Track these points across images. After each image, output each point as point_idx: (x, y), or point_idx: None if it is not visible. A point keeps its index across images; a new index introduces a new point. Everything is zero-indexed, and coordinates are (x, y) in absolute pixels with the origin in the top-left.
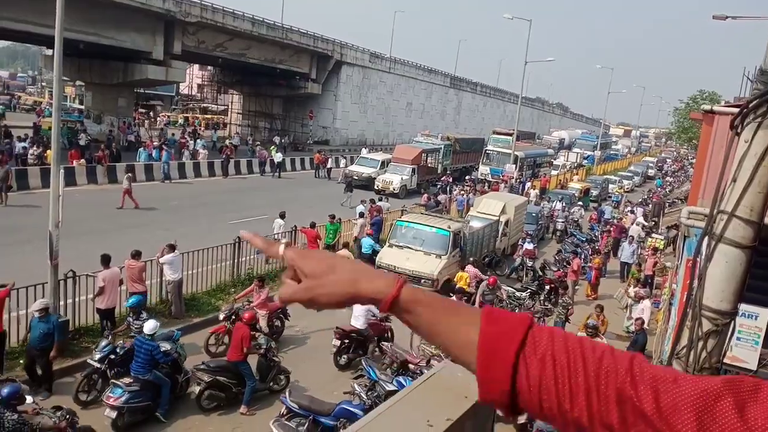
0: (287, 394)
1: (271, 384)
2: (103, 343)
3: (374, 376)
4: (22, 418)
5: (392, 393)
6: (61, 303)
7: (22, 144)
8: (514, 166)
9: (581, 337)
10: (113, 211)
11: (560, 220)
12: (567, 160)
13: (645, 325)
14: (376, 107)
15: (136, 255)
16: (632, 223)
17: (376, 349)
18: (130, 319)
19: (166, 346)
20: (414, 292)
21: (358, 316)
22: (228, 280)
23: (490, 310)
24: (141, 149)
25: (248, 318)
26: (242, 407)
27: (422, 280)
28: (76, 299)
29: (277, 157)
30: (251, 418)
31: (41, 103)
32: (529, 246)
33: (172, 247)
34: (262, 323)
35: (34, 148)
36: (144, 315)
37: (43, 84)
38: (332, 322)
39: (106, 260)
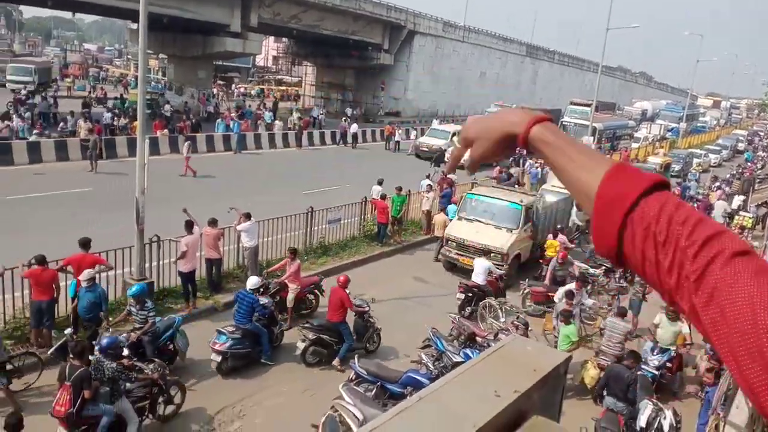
0: (356, 360)
1: (367, 344)
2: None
3: (441, 347)
4: (121, 366)
5: (459, 364)
6: (147, 265)
7: (109, 114)
8: (592, 138)
9: (691, 216)
10: (193, 180)
11: None
12: (649, 133)
13: None
14: (448, 78)
15: (213, 222)
16: (718, 199)
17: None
18: (133, 309)
19: (264, 300)
20: (543, 133)
21: (478, 274)
22: (301, 249)
23: (617, 168)
24: (219, 120)
25: (343, 281)
26: (336, 360)
27: (492, 254)
28: (160, 262)
29: (353, 128)
30: (321, 382)
31: (127, 75)
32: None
33: (248, 216)
34: (291, 296)
35: (120, 119)
36: (149, 304)
37: (129, 57)
38: (399, 293)
39: (189, 226)
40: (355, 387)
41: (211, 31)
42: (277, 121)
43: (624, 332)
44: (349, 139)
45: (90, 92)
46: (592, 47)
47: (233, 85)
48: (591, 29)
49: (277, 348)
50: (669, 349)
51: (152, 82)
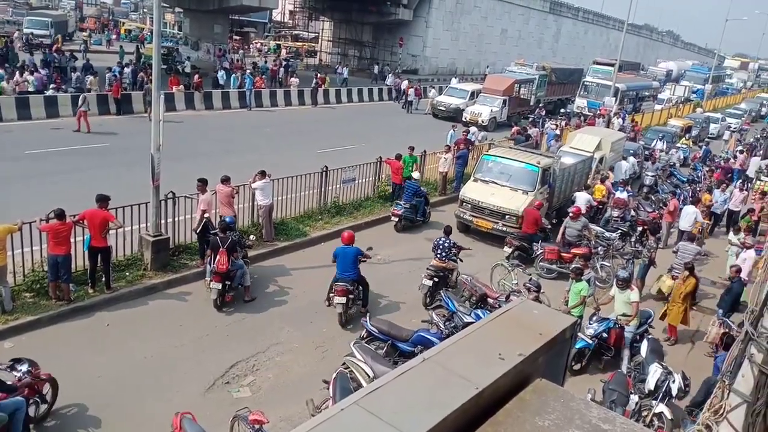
0: (367, 318)
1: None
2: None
3: (452, 308)
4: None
5: (469, 324)
6: (162, 221)
7: (128, 69)
8: (614, 99)
9: None
10: (208, 136)
11: (650, 173)
12: (673, 94)
13: (747, 276)
14: (468, 34)
15: (226, 180)
16: (741, 165)
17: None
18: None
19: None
20: None
21: (581, 203)
22: (315, 208)
23: None
24: (233, 75)
25: (539, 204)
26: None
27: (506, 216)
28: (176, 218)
29: (404, 84)
30: (334, 339)
31: (143, 29)
32: (621, 194)
33: (263, 174)
34: None
35: (127, 71)
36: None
37: (145, 10)
38: (412, 254)
39: (203, 183)
40: (366, 345)
41: None
42: (292, 79)
43: (694, 253)
44: (410, 97)
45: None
46: (617, 4)
47: (257, 44)
48: None
49: (426, 221)
50: (608, 319)
51: (169, 37)
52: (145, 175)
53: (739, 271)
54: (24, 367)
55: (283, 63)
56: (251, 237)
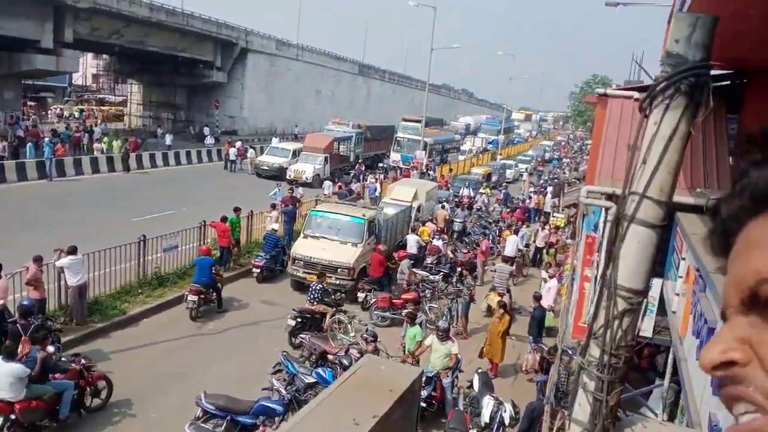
0: (202, 395)
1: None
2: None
3: (293, 370)
4: None
5: (312, 385)
6: None
7: None
8: (424, 152)
9: None
10: (2, 211)
11: (458, 220)
12: (473, 145)
13: (553, 303)
14: (284, 95)
15: (38, 260)
16: (536, 205)
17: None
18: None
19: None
20: None
21: (412, 246)
22: (134, 281)
23: None
24: (29, 144)
25: (380, 249)
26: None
27: (339, 270)
28: None
29: (236, 145)
30: (163, 424)
31: None
32: (438, 242)
33: (72, 251)
34: None
35: None
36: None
37: None
38: (247, 319)
39: None
40: (202, 425)
41: (18, 47)
42: (96, 144)
43: (508, 273)
44: (232, 157)
45: None
46: (418, 65)
47: (57, 110)
48: (417, 49)
49: (283, 272)
50: (433, 378)
51: None
52: None
53: (538, 298)
54: (82, 360)
55: (89, 128)
56: (60, 319)
